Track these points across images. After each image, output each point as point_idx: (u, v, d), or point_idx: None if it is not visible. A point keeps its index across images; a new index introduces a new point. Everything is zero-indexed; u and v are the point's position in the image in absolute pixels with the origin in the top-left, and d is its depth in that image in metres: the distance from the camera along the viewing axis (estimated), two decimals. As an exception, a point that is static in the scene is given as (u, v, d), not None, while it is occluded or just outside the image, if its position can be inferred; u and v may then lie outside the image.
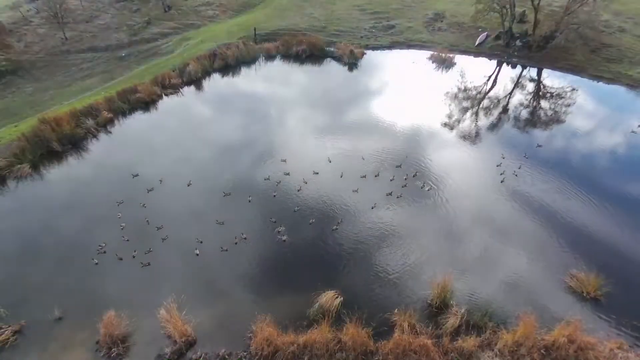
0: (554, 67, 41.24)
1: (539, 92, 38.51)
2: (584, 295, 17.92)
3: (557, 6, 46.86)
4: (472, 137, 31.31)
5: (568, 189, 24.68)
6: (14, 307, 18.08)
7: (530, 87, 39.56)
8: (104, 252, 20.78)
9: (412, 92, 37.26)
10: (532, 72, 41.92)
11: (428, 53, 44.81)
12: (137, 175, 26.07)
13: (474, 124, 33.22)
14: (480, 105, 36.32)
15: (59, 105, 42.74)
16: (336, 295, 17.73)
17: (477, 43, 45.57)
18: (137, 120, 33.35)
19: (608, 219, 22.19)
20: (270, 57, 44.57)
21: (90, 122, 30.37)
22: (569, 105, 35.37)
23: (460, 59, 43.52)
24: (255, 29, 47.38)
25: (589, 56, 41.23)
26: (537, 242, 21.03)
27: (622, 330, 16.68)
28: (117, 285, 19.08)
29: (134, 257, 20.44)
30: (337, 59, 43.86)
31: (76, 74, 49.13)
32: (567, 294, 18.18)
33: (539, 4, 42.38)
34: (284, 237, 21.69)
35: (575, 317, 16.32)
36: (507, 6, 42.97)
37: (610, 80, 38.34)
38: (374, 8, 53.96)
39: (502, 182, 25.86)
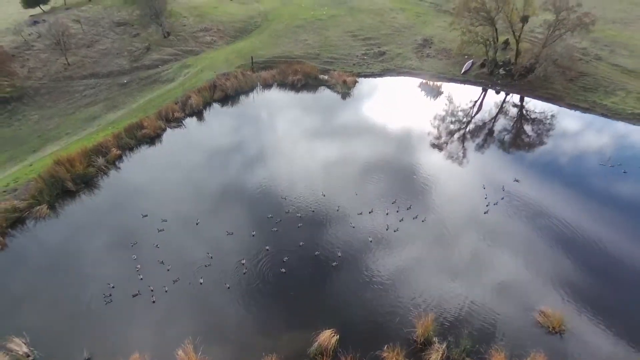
0: (534, 96, 43.93)
1: (519, 123, 41.14)
2: (550, 330, 20.44)
3: (539, 32, 49.54)
4: (458, 168, 33.93)
5: (542, 222, 27.26)
6: (43, 347, 20.18)
7: (511, 116, 42.26)
8: (127, 293, 22.94)
9: (402, 124, 39.71)
10: (515, 99, 44.62)
11: (417, 81, 47.37)
12: (146, 215, 28.22)
13: (459, 155, 35.78)
14: (465, 136, 38.83)
15: (65, 135, 44.92)
16: (333, 334, 20.05)
17: (463, 71, 48.18)
18: (144, 156, 35.46)
19: (578, 257, 24.75)
20: (267, 85, 46.87)
21: (100, 161, 32.45)
22: (546, 136, 38.12)
23: (447, 87, 46.13)
24: (252, 58, 49.63)
25: (567, 85, 43.96)
26: (513, 279, 23.53)
27: (582, 362, 19.24)
28: (138, 325, 21.28)
29: (152, 298, 22.62)
30: (331, 87, 46.27)
31: (80, 101, 51.05)
32: (536, 329, 20.69)
33: (520, 35, 45.11)
34: (284, 270, 24.11)
35: (541, 352, 18.82)
36: (491, 38, 45.61)
37: (586, 110, 41.06)
38: (366, 34, 56.43)
39: (485, 213, 28.49)
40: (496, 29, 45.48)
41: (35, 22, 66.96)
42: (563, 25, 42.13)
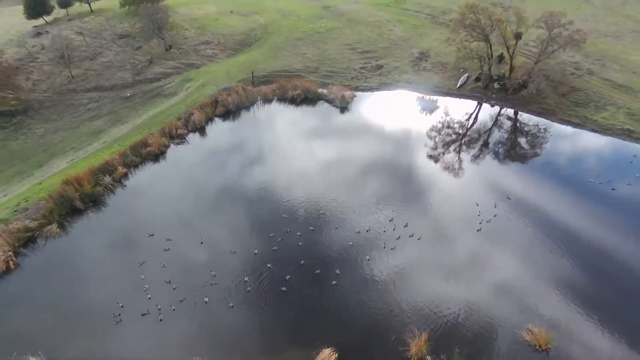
0: (527, 110, 45.18)
1: (512, 138, 42.39)
2: (537, 348, 21.66)
3: (533, 46, 50.75)
4: (453, 184, 35.11)
5: (531, 241, 28.50)
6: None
7: (505, 131, 43.53)
8: (136, 312, 24.12)
9: (399, 140, 40.99)
10: (508, 113, 45.89)
11: (414, 95, 48.63)
12: (152, 234, 29.38)
13: (454, 170, 37.02)
14: (460, 152, 40.08)
15: (70, 149, 46.07)
16: (332, 352, 21.25)
17: (458, 85, 49.43)
18: (149, 173, 36.63)
19: (567, 276, 25.99)
20: (267, 100, 48.08)
21: (107, 179, 33.61)
22: (537, 152, 39.40)
23: (443, 101, 47.37)
24: (253, 73, 50.82)
25: (559, 100, 45.21)
26: (504, 297, 24.74)
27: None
28: (147, 344, 22.46)
29: (159, 317, 23.80)
30: (330, 102, 47.46)
31: (84, 115, 52.20)
32: (523, 347, 21.90)
33: (513, 51, 46.36)
34: (284, 288, 25.33)
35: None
36: (485, 54, 46.85)
37: (578, 125, 42.30)
38: (364, 47, 57.67)
39: (478, 230, 29.72)
40: (490, 45, 46.72)
41: (38, 34, 68.10)
42: (555, 42, 43.38)
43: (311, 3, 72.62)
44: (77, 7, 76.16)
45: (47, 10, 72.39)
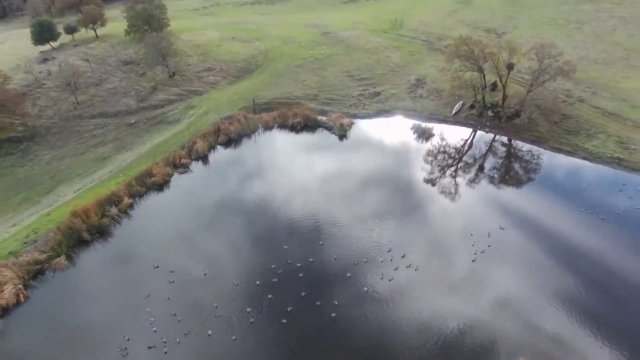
0: (520, 138, 46.55)
1: (506, 166, 43.70)
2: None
3: (525, 73, 52.42)
4: (448, 212, 36.25)
5: (524, 272, 29.54)
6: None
7: (499, 158, 44.87)
8: (142, 346, 24.98)
9: (396, 168, 42.30)
10: (502, 141, 47.24)
11: (410, 122, 50.03)
12: (157, 266, 30.40)
13: (449, 198, 38.22)
14: (455, 179, 41.27)
15: (77, 175, 47.29)
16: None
17: (453, 112, 50.95)
18: (154, 203, 37.80)
19: (558, 308, 26.98)
20: (268, 128, 49.51)
21: (113, 210, 34.76)
22: (530, 180, 40.66)
23: (439, 128, 48.77)
24: (254, 101, 52.38)
25: (551, 128, 46.62)
26: (493, 326, 25.69)
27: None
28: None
29: (164, 349, 24.67)
30: (329, 129, 48.87)
31: (89, 141, 53.55)
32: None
33: (506, 81, 47.98)
34: (285, 320, 26.26)
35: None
36: (479, 83, 48.48)
37: (569, 153, 43.60)
38: (362, 74, 59.41)
39: (473, 261, 30.79)
40: (484, 75, 48.38)
41: (45, 60, 69.91)
42: (546, 72, 45.02)
43: (311, 29, 74.68)
44: (82, 33, 78.21)
45: (54, 37, 74.39)
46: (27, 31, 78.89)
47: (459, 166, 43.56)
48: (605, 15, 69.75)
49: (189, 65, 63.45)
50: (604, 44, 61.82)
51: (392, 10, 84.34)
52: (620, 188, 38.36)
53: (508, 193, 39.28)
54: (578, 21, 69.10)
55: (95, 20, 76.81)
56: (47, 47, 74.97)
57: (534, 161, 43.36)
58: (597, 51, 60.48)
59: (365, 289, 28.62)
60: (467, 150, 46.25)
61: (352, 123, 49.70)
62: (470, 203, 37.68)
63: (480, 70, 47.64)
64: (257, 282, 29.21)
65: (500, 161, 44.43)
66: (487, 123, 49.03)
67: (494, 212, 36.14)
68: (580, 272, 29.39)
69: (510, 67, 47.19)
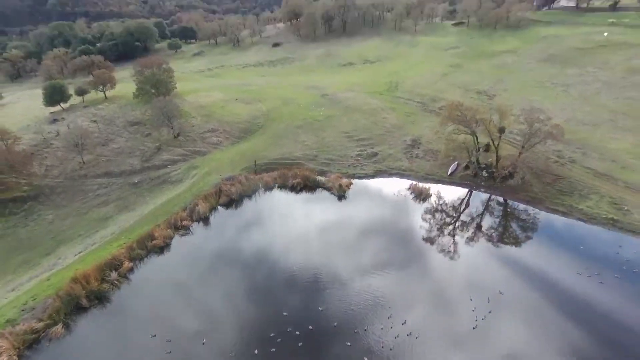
0: (516, 199, 47.57)
1: (502, 227, 44.10)
2: None
3: (517, 134, 54.45)
4: (447, 276, 36.19)
5: (524, 337, 29.18)
6: None
7: (495, 220, 45.38)
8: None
9: (393, 229, 42.78)
10: (498, 201, 48.12)
11: (407, 182, 51.32)
12: (154, 335, 30.03)
13: (448, 261, 38.31)
14: (454, 241, 41.62)
15: (78, 236, 47.63)
16: None
17: (449, 172, 52.42)
18: (154, 267, 37.90)
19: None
20: (269, 188, 50.65)
21: (113, 275, 34.85)
22: (527, 242, 40.91)
23: (435, 189, 49.93)
24: (255, 162, 54.03)
25: (545, 188, 47.82)
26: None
27: None
28: None
29: None
30: (328, 189, 50.00)
31: (93, 200, 54.50)
32: None
33: (498, 144, 49.88)
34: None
35: None
36: (472, 145, 50.36)
37: (564, 214, 44.40)
38: (360, 134, 61.71)
39: (474, 328, 30.43)
40: (477, 137, 50.37)
41: (54, 120, 72.79)
42: (536, 136, 46.97)
43: (310, 91, 78.47)
44: (92, 94, 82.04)
45: (64, 98, 77.98)
46: (39, 92, 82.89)
47: (456, 226, 44.13)
48: (590, 78, 73.70)
49: (193, 126, 65.98)
50: (590, 106, 64.81)
51: (388, 73, 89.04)
52: (616, 250, 38.73)
53: (506, 255, 39.51)
54: (564, 84, 72.90)
55: (105, 82, 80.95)
56: (57, 108, 78.38)
57: (530, 222, 44.01)
58: (584, 113, 63.33)
59: (366, 359, 28.15)
60: (463, 210, 47.02)
61: (351, 183, 50.96)
62: (469, 265, 37.81)
63: (473, 133, 49.68)
64: (256, 352, 28.75)
65: (497, 221, 45.06)
66: (482, 183, 50.29)
67: (493, 275, 36.20)
68: (582, 339, 29.05)
69: (501, 130, 49.29)
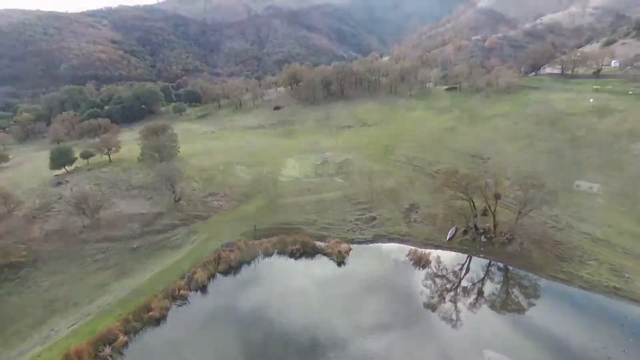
0: (516, 265, 47.32)
1: (503, 296, 43.40)
2: None
3: (513, 198, 55.23)
4: (446, 346, 35.22)
5: None
6: None
7: (495, 287, 44.83)
8: None
9: (393, 296, 42.25)
10: (498, 266, 47.84)
11: (407, 248, 51.29)
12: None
13: (447, 329, 37.45)
14: (456, 307, 40.85)
15: (72, 305, 46.66)
16: None
17: (447, 237, 52.60)
18: (149, 341, 36.96)
19: None
20: (268, 254, 50.55)
21: (107, 350, 33.94)
22: (529, 312, 40.19)
23: (434, 254, 49.75)
24: (255, 227, 54.41)
25: (544, 254, 47.73)
26: None
27: None
28: None
29: None
30: (328, 255, 49.89)
31: (91, 266, 54.00)
32: None
33: (495, 209, 50.61)
34: None
35: None
36: (470, 212, 51.09)
37: (565, 281, 43.99)
38: (358, 198, 62.65)
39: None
40: (473, 204, 51.21)
41: (58, 183, 74.02)
42: (531, 202, 47.80)
43: (310, 154, 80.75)
44: (97, 157, 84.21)
45: (70, 161, 79.96)
46: (46, 153, 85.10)
47: (457, 293, 43.53)
48: (580, 143, 76.11)
49: (195, 190, 67.13)
50: (583, 170, 66.39)
51: (385, 136, 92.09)
52: (622, 321, 38.02)
53: (507, 324, 38.68)
54: (556, 148, 75.07)
55: (111, 146, 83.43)
56: (62, 170, 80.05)
57: (532, 290, 43.50)
58: (577, 176, 64.67)
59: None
60: (464, 276, 46.60)
61: (350, 249, 50.96)
62: (468, 334, 36.90)
63: (470, 199, 50.59)
64: None
65: (497, 288, 44.49)
66: (482, 249, 50.30)
67: (494, 343, 35.26)
68: None
69: (497, 196, 50.27)
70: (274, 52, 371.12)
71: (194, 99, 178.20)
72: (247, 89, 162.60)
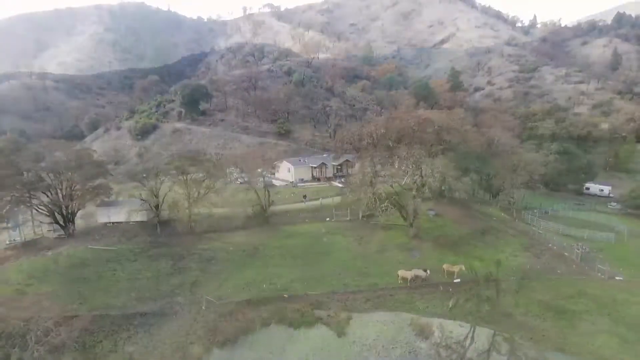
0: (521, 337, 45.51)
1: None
2: None
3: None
4: None
5: None
6: None
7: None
8: None
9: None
10: (504, 337, 46.00)
11: (409, 316, 49.54)
12: None
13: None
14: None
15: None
16: None
17: (450, 305, 51.33)
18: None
19: None
20: (266, 324, 48.89)
21: None
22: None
23: (437, 322, 47.96)
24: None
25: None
26: None
27: None
28: None
29: None
30: (327, 325, 48.30)
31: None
32: None
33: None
34: None
35: None
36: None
37: None
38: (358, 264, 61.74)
39: None
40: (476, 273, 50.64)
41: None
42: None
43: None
44: None
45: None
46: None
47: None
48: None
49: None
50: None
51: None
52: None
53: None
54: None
55: None
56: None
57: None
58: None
59: None
60: (469, 346, 44.80)
61: (350, 318, 49.38)
62: None
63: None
64: None
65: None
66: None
67: None
68: None
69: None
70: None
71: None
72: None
